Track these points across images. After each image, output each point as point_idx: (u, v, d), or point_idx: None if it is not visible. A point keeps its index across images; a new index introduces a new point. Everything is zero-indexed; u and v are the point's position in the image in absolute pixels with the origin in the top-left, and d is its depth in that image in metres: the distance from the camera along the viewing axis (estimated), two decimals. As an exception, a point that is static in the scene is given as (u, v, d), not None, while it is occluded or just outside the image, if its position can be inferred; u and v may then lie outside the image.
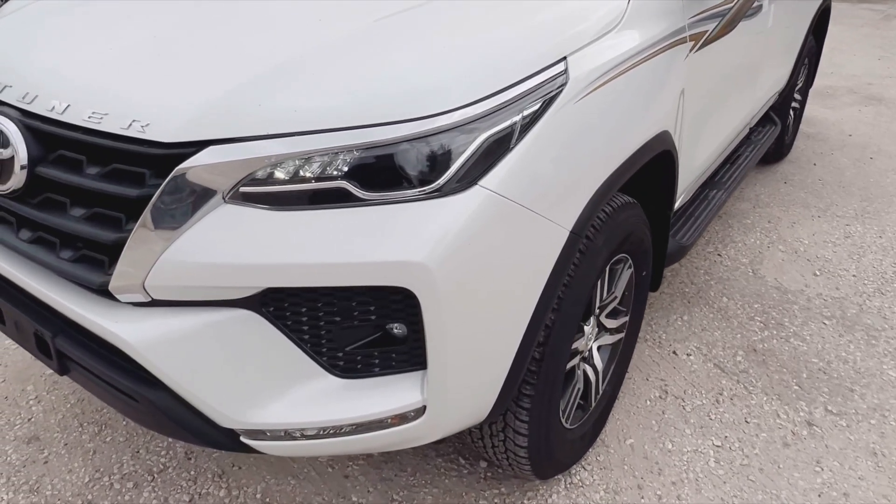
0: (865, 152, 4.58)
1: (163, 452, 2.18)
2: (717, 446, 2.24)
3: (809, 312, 2.91)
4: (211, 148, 1.27)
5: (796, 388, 2.49)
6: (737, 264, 3.27)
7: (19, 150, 1.40)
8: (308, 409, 1.40)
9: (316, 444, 1.43)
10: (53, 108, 1.39)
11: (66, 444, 2.22)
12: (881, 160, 4.44)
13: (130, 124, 1.30)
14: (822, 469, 2.16)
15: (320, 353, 1.40)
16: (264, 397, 1.39)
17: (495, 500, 2.03)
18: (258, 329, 1.35)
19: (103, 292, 1.38)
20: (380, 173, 1.29)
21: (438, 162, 1.31)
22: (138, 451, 2.19)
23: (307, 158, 1.28)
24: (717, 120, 2.66)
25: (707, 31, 2.27)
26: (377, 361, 1.43)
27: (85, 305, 1.40)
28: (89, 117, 1.34)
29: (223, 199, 1.29)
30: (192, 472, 2.11)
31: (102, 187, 1.33)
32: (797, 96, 4.28)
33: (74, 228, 1.37)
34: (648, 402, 2.41)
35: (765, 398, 2.44)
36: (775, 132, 3.74)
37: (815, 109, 5.40)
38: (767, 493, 2.08)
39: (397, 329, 1.41)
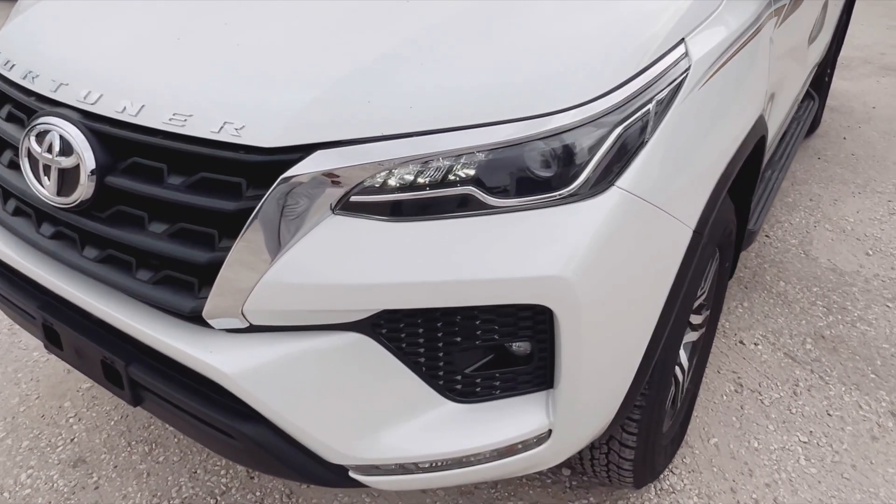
0: (892, 125, 4.46)
1: (223, 472, 2.02)
2: (804, 442, 2.12)
3: (870, 295, 2.79)
4: (319, 152, 1.09)
5: (873, 376, 2.37)
6: (787, 246, 3.14)
7: (85, 157, 1.21)
8: (425, 439, 1.24)
9: (432, 477, 1.28)
10: (125, 109, 1.20)
11: (115, 467, 2.05)
12: (904, 129, 4.32)
13: (222, 127, 1.12)
14: (917, 462, 2.05)
15: (437, 378, 1.24)
16: (378, 429, 1.23)
17: (585, 512, 1.89)
18: (370, 354, 1.19)
19: (190, 317, 1.21)
20: (509, 177, 1.12)
21: (573, 162, 1.14)
22: (195, 472, 2.02)
23: (427, 162, 1.11)
24: (786, 96, 2.51)
25: (785, 5, 2.10)
26: (498, 384, 1.27)
27: (168, 332, 1.23)
28: (170, 119, 1.15)
29: (331, 210, 1.11)
30: (258, 493, 1.95)
31: (190, 200, 1.15)
32: (828, 69, 4.14)
33: (156, 247, 1.19)
34: (725, 398, 2.28)
35: (843, 388, 2.32)
36: (815, 107, 3.60)
37: (834, 81, 5.26)
38: (865, 491, 1.96)
39: (519, 347, 1.26)
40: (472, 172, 1.11)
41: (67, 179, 1.24)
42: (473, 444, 1.25)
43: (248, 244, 1.11)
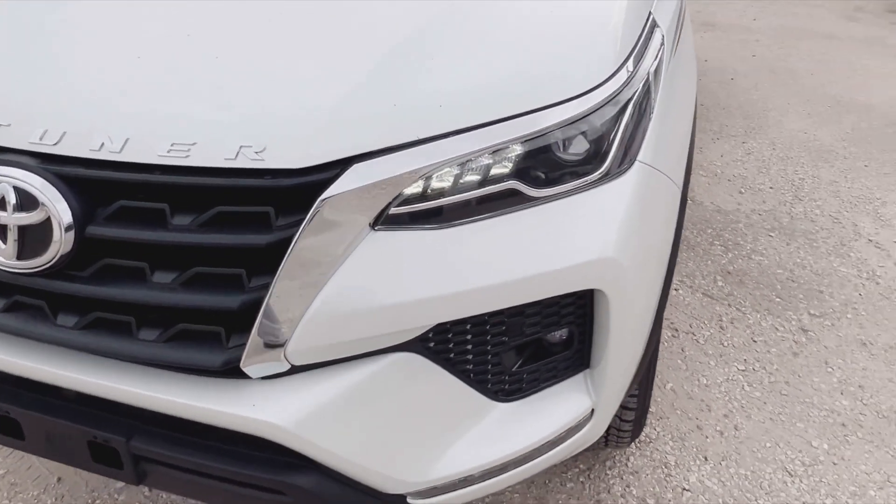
0: (725, 75, 4.96)
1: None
2: (743, 370, 2.33)
3: (754, 229, 3.11)
4: (356, 166, 1.00)
5: (778, 299, 2.66)
6: (673, 195, 3.40)
7: (58, 209, 1.01)
8: (482, 447, 1.21)
9: (493, 483, 1.25)
10: (102, 145, 1.01)
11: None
12: (740, 80, 4.83)
13: (238, 152, 0.98)
14: (833, 369, 2.34)
15: (486, 382, 1.21)
16: (435, 448, 1.18)
17: (581, 479, 1.95)
18: (419, 372, 1.13)
19: (211, 372, 1.07)
20: (548, 165, 1.10)
21: (602, 141, 1.15)
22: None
23: (465, 162, 1.06)
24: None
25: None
26: (540, 375, 1.26)
27: (189, 394, 1.08)
28: (169, 151, 0.99)
29: (371, 227, 1.03)
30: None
31: (207, 240, 1.00)
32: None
33: (168, 300, 1.03)
34: (665, 344, 2.45)
35: (758, 315, 2.58)
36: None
37: (662, 40, 5.74)
38: (801, 402, 2.20)
39: (559, 335, 1.25)
40: (511, 166, 1.08)
41: (30, 239, 1.03)
42: (530, 440, 1.23)
43: (288, 279, 1.00)
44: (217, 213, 1.01)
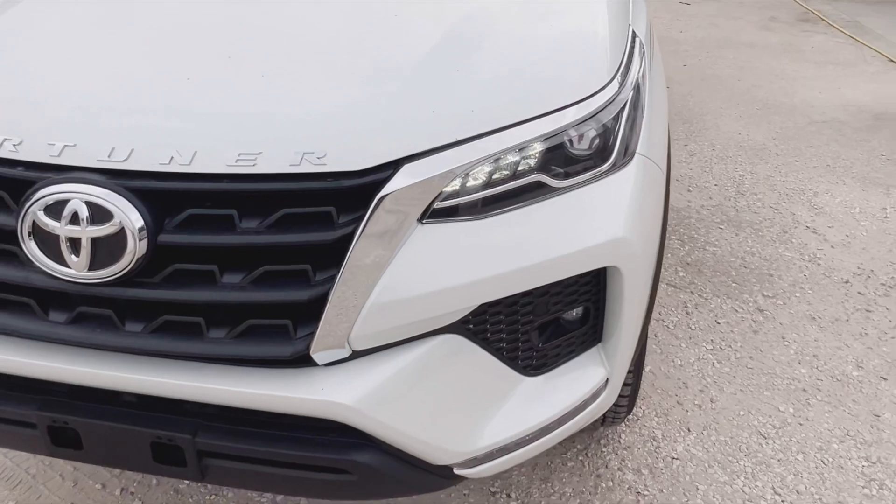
0: (659, 83, 5.31)
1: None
2: (711, 350, 2.55)
3: (705, 223, 3.38)
4: (406, 166, 1.14)
5: (734, 284, 2.91)
6: (627, 196, 3.65)
7: (132, 219, 1.10)
8: (516, 418, 1.35)
9: (526, 451, 1.39)
10: (172, 159, 1.11)
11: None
12: (675, 87, 5.18)
13: (302, 158, 1.10)
14: (789, 342, 2.59)
15: (516, 359, 1.35)
16: (477, 420, 1.32)
17: (580, 458, 2.11)
18: (460, 351, 1.27)
19: (259, 362, 1.17)
20: (564, 160, 1.27)
21: (607, 138, 1.32)
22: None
23: (497, 159, 1.21)
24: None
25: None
26: (561, 350, 1.41)
27: (259, 384, 1.18)
28: (237, 161, 1.10)
29: (418, 220, 1.16)
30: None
31: (275, 240, 1.12)
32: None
33: (239, 298, 1.13)
34: (640, 331, 2.65)
35: (719, 300, 2.82)
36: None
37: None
38: (765, 373, 2.44)
39: (575, 312, 1.41)
40: (536, 161, 1.23)
41: (100, 250, 1.12)
42: (556, 409, 1.38)
43: (351, 271, 1.12)
44: (283, 214, 1.12)
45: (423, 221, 1.17)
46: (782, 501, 1.99)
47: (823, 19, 6.83)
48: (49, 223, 1.11)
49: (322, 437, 1.22)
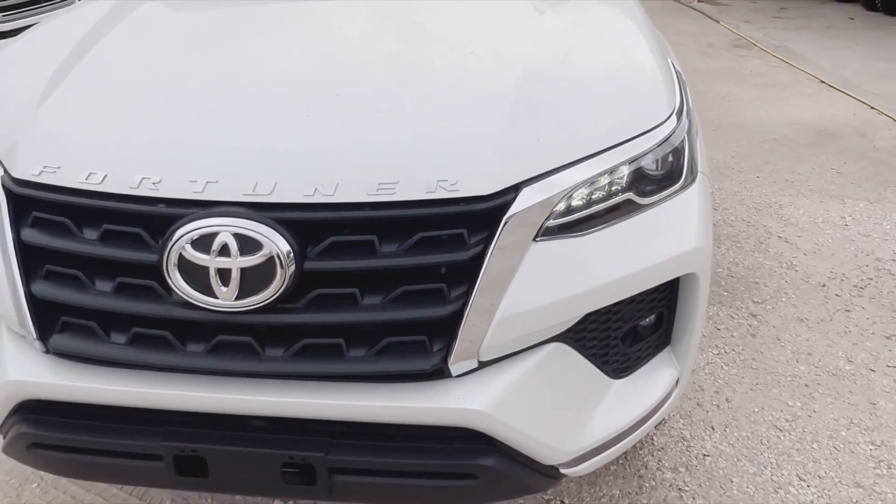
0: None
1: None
2: (718, 354, 2.77)
3: (687, 237, 3.63)
4: (525, 190, 1.27)
5: (725, 293, 3.16)
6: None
7: (281, 249, 1.18)
8: (610, 418, 1.49)
9: (618, 448, 1.53)
10: (316, 191, 1.21)
11: None
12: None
13: (437, 186, 1.22)
14: (784, 343, 2.84)
15: (607, 363, 1.49)
16: (579, 420, 1.45)
17: (620, 462, 2.26)
18: (564, 357, 1.41)
19: (396, 376, 1.28)
20: (647, 180, 1.43)
21: (679, 158, 1.50)
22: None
23: (594, 182, 1.36)
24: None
25: None
26: (640, 353, 1.56)
27: (397, 398, 1.27)
28: (378, 190, 1.21)
29: (533, 239, 1.30)
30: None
31: (414, 261, 1.23)
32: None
33: (382, 318, 1.23)
34: (649, 341, 2.84)
35: (715, 308, 3.05)
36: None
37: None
38: (769, 373, 2.67)
39: (649, 319, 1.57)
40: (625, 182, 1.39)
41: (248, 279, 1.20)
42: (641, 408, 1.53)
43: (483, 287, 1.24)
44: (420, 238, 1.23)
45: (537, 239, 1.30)
46: (808, 486, 2.19)
47: (756, 45, 7.41)
48: (198, 256, 1.19)
49: (447, 446, 1.32)
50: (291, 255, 1.20)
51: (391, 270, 1.24)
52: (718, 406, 2.51)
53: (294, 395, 1.27)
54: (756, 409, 2.49)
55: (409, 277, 1.25)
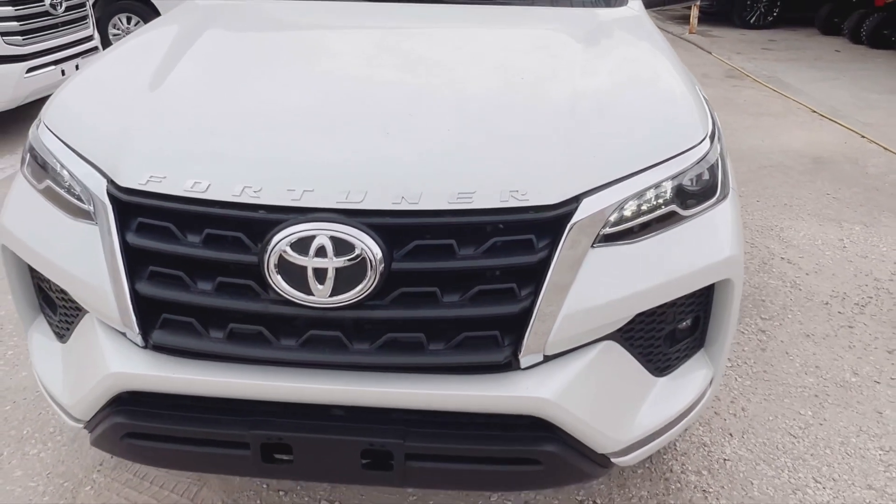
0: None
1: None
2: (731, 366, 2.94)
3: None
4: (585, 200, 1.44)
5: (734, 310, 3.33)
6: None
7: (373, 251, 1.34)
8: (656, 412, 1.65)
9: (662, 440, 1.68)
10: (402, 199, 1.36)
11: None
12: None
13: (509, 196, 1.38)
14: (792, 357, 3.01)
15: (651, 362, 1.65)
16: (628, 413, 1.60)
17: (646, 465, 2.40)
18: (615, 354, 1.57)
19: (471, 368, 1.42)
20: (688, 194, 1.61)
21: (715, 173, 1.68)
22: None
23: (642, 194, 1.53)
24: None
25: None
26: (679, 354, 1.72)
27: (474, 387, 1.42)
28: (457, 199, 1.37)
29: (591, 245, 1.46)
30: None
31: (490, 263, 1.38)
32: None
33: (461, 314, 1.38)
34: (665, 354, 3.00)
35: (725, 324, 3.22)
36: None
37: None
38: (780, 384, 2.84)
39: (685, 322, 1.73)
40: (669, 195, 1.56)
41: (340, 278, 1.35)
42: (681, 404, 1.69)
43: (550, 288, 1.40)
44: (494, 242, 1.39)
45: (595, 246, 1.47)
46: (823, 488, 2.34)
47: (748, 75, 7.73)
48: (297, 257, 1.34)
49: (513, 434, 1.47)
50: (381, 256, 1.35)
51: (468, 271, 1.39)
52: (735, 415, 2.66)
53: (377, 385, 1.42)
54: (770, 418, 2.65)
55: (484, 278, 1.41)
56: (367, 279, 1.35)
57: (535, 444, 1.46)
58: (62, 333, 1.72)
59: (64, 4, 5.32)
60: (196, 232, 1.41)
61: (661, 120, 1.69)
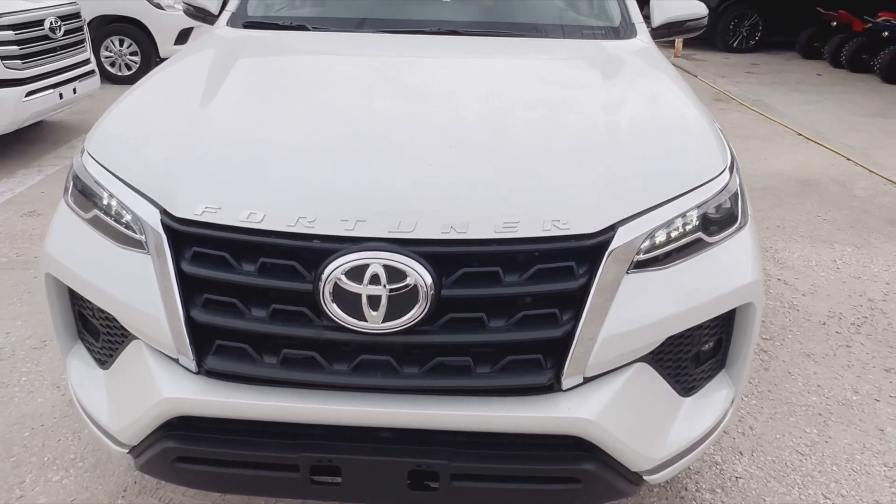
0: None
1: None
2: (736, 386, 3.03)
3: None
4: (620, 229, 1.53)
5: (736, 330, 3.44)
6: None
7: (425, 278, 1.41)
8: (685, 430, 1.74)
9: (690, 458, 1.76)
10: (451, 228, 1.44)
11: None
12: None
13: (552, 225, 1.47)
14: (795, 376, 3.12)
15: (679, 382, 1.73)
16: (659, 432, 1.68)
17: (661, 484, 2.47)
18: (647, 376, 1.65)
19: (515, 390, 1.49)
20: (712, 221, 1.70)
21: (736, 202, 1.78)
22: None
23: (671, 223, 1.62)
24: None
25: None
26: (703, 375, 1.81)
27: (518, 409, 1.49)
28: (503, 228, 1.45)
29: (626, 271, 1.55)
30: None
31: (534, 290, 1.47)
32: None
33: (507, 339, 1.46)
34: (672, 375, 3.09)
35: (728, 344, 3.32)
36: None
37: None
38: (785, 403, 2.94)
39: (708, 345, 1.82)
40: (696, 223, 1.66)
41: (393, 305, 1.42)
42: (707, 423, 1.77)
43: (590, 313, 1.48)
44: (537, 269, 1.47)
45: (629, 272, 1.55)
46: (833, 504, 2.43)
47: (734, 98, 7.96)
48: (352, 285, 1.41)
49: (554, 453, 1.54)
50: (431, 283, 1.42)
51: (513, 297, 1.47)
52: (744, 433, 2.75)
53: (425, 408, 1.48)
54: (778, 436, 2.74)
55: (528, 303, 1.49)
56: (419, 305, 1.42)
57: (576, 462, 1.54)
58: (104, 360, 1.76)
59: (63, 28, 5.37)
60: (251, 261, 1.48)
61: (685, 151, 1.80)
